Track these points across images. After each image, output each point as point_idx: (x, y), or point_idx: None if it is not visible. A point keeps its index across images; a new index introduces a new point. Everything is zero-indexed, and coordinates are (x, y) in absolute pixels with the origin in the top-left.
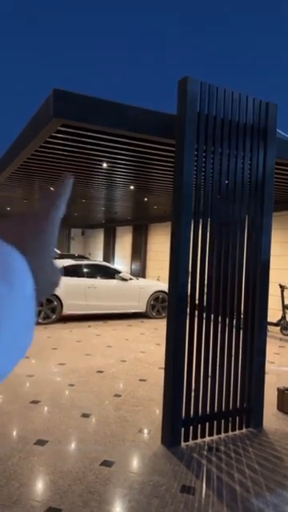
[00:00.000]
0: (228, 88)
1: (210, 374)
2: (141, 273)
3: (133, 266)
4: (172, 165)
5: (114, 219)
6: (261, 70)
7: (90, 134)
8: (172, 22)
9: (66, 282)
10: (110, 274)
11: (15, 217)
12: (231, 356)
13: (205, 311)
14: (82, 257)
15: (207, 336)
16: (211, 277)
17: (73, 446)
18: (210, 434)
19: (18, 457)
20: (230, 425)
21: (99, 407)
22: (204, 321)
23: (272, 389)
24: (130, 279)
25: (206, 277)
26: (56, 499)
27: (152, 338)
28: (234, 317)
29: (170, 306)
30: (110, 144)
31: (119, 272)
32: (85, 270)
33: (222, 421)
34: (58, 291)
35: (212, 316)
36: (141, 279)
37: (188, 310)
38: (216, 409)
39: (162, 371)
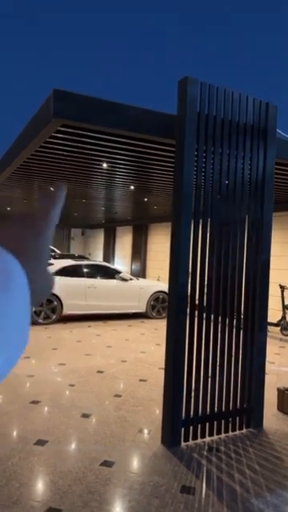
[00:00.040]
0: (228, 88)
1: (210, 374)
2: (141, 273)
3: (133, 266)
4: (172, 165)
5: (114, 219)
6: (261, 70)
7: (90, 134)
8: (172, 22)
9: (66, 282)
10: (110, 274)
11: (11, 224)
12: (231, 356)
13: (205, 311)
14: (82, 257)
15: (207, 336)
16: (211, 277)
17: (73, 446)
18: (210, 435)
19: (18, 457)
20: (230, 425)
21: (99, 407)
22: (204, 321)
23: (272, 389)
24: (130, 279)
25: (206, 277)
26: (56, 499)
27: (152, 338)
28: (234, 317)
29: (170, 306)
30: (109, 144)
31: (119, 272)
32: (85, 270)
33: (222, 421)
34: (59, 291)
35: (212, 316)
36: (141, 279)
37: (188, 310)
38: (216, 409)
39: (162, 371)
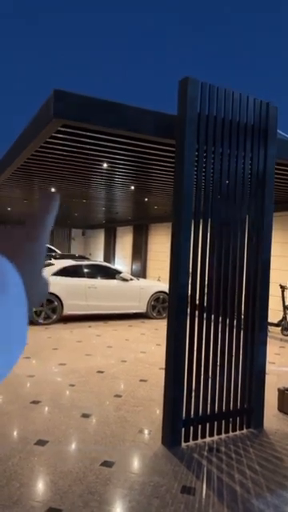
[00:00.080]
0: (228, 88)
1: (210, 374)
2: (141, 273)
3: (133, 267)
4: (172, 165)
5: (115, 219)
6: (261, 70)
7: (90, 134)
8: (172, 22)
9: (66, 282)
10: (111, 274)
11: (7, 229)
12: (231, 356)
13: (205, 312)
14: (82, 257)
15: (207, 336)
16: (211, 277)
17: (73, 446)
18: (211, 435)
19: (19, 457)
20: (230, 425)
21: (99, 407)
22: (204, 321)
23: (272, 389)
24: (131, 279)
25: (206, 277)
26: (56, 499)
27: (152, 338)
28: (235, 317)
29: (171, 306)
30: (110, 144)
31: (120, 272)
32: (85, 270)
33: (223, 421)
34: (59, 291)
35: (212, 316)
36: (141, 279)
37: (188, 310)
38: (216, 409)
39: (163, 371)
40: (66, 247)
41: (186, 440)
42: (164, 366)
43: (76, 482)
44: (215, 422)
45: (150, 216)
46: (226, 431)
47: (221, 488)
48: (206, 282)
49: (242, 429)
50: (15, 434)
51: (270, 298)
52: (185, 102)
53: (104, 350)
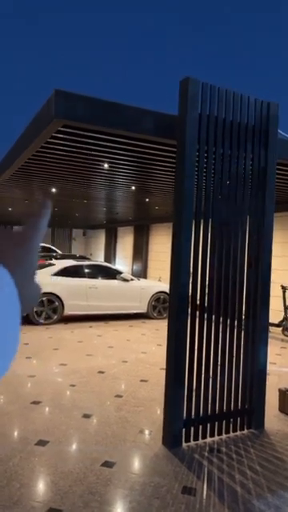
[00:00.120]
0: (229, 88)
1: (211, 374)
2: (142, 273)
3: (134, 267)
4: (173, 165)
5: (116, 220)
6: (261, 70)
7: (90, 134)
8: (172, 22)
9: (67, 282)
10: (112, 274)
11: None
12: (232, 357)
13: (206, 312)
14: (83, 257)
15: (208, 337)
16: (212, 277)
17: (74, 446)
18: (212, 435)
19: (19, 457)
20: (231, 426)
21: (100, 408)
22: (205, 321)
23: (273, 390)
24: (132, 280)
25: (207, 277)
26: (57, 500)
27: (153, 338)
28: (236, 317)
29: (171, 306)
30: (110, 144)
31: (120, 272)
32: (86, 270)
33: (224, 422)
34: (60, 292)
35: (213, 317)
36: (142, 280)
37: (189, 310)
38: (217, 410)
39: (164, 372)
40: (66, 247)
41: (187, 440)
42: (165, 367)
43: (76, 482)
44: (216, 423)
45: (151, 216)
46: (227, 431)
47: (221, 489)
48: (207, 282)
49: (243, 429)
50: (16, 434)
51: (271, 298)
52: (185, 102)
53: (105, 351)
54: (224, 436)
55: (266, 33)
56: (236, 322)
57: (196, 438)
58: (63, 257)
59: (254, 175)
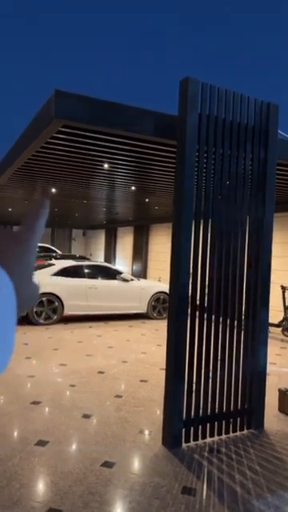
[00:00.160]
0: (229, 88)
1: (210, 374)
2: (142, 273)
3: (134, 267)
4: (173, 165)
5: (115, 220)
6: (261, 70)
7: (90, 134)
8: (172, 22)
9: (67, 282)
10: (111, 274)
11: None
12: (232, 357)
13: (206, 312)
14: (83, 257)
15: (208, 337)
16: (212, 278)
17: (73, 446)
18: (211, 435)
19: (19, 457)
20: (231, 426)
21: (100, 408)
22: (205, 322)
23: (273, 390)
24: (131, 280)
25: (206, 278)
26: (56, 500)
27: (153, 338)
28: (235, 318)
29: (171, 306)
30: (110, 145)
31: (120, 273)
32: (86, 270)
33: (223, 422)
34: (60, 292)
35: (213, 317)
36: (142, 280)
37: (189, 310)
38: (217, 410)
39: (163, 372)
40: (66, 247)
41: (187, 441)
42: (164, 367)
43: (76, 482)
44: (216, 423)
45: (151, 216)
46: (227, 432)
47: (221, 489)
48: (207, 283)
49: (243, 429)
50: (15, 434)
51: (271, 298)
52: (185, 103)
53: (105, 351)
54: (224, 436)
55: (266, 33)
56: (236, 323)
57: (196, 439)
58: (63, 257)
59: (253, 175)
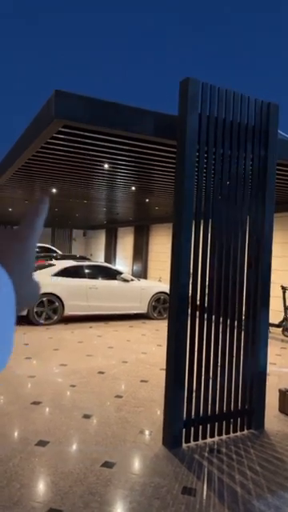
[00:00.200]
0: (229, 88)
1: (211, 375)
2: (142, 274)
3: (134, 267)
4: (173, 165)
5: (116, 220)
6: (261, 70)
7: (91, 134)
8: (172, 22)
9: (67, 282)
10: (112, 274)
11: None
12: (232, 357)
13: (206, 312)
14: (83, 258)
15: (208, 337)
16: (212, 278)
17: (74, 447)
18: (212, 436)
19: (19, 458)
20: (231, 426)
21: (100, 408)
22: (205, 322)
23: (273, 390)
24: (132, 280)
25: (207, 278)
26: (57, 500)
27: (153, 339)
28: (236, 318)
29: (172, 307)
30: (110, 145)
31: (121, 273)
32: (86, 270)
33: (224, 422)
34: (60, 292)
35: (213, 317)
36: (142, 280)
37: (189, 311)
38: (217, 410)
39: (164, 372)
40: (67, 248)
41: (187, 441)
42: (165, 367)
43: (77, 482)
44: (216, 423)
45: (151, 217)
46: (227, 432)
47: (221, 489)
48: (207, 283)
49: (243, 430)
50: (16, 434)
51: (271, 298)
52: (185, 103)
53: (105, 351)
54: (224, 436)
55: (266, 33)
56: (236, 323)
57: (196, 439)
58: (63, 257)
59: (254, 175)
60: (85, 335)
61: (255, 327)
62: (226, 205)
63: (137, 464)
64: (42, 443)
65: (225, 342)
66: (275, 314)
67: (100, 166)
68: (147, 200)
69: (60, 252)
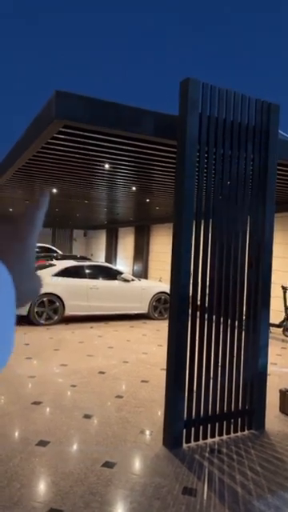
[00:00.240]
0: (230, 89)
1: (211, 375)
2: (143, 274)
3: (135, 267)
4: (173, 166)
5: (116, 220)
6: (261, 70)
7: (91, 135)
8: (172, 22)
9: (68, 282)
10: (112, 274)
11: None
12: (233, 357)
13: (207, 312)
14: (84, 258)
15: (209, 337)
16: (213, 278)
17: (74, 447)
18: (212, 436)
19: (20, 458)
20: (231, 426)
21: (101, 408)
22: (206, 322)
23: (274, 390)
24: (132, 280)
25: (207, 278)
26: (57, 500)
27: (154, 339)
28: (236, 318)
29: (172, 307)
30: (111, 145)
31: (121, 273)
32: (87, 271)
33: (224, 422)
34: (61, 292)
35: (214, 317)
36: (143, 280)
37: (190, 311)
38: (218, 410)
39: (164, 372)
40: (67, 248)
41: (188, 441)
42: (165, 367)
43: (77, 482)
44: (216, 423)
45: (152, 217)
46: (228, 432)
47: (222, 489)
48: (208, 283)
49: (244, 430)
50: (16, 434)
51: (272, 298)
52: (186, 103)
53: (105, 351)
54: (225, 437)
55: (266, 33)
56: (236, 323)
57: (197, 439)
58: (64, 257)
59: (254, 176)
60: (85, 335)
61: (256, 327)
62: (227, 205)
63: (137, 464)
64: (42, 443)
65: (225, 342)
66: (276, 314)
67: (100, 166)
68: (147, 200)
69: (60, 252)
